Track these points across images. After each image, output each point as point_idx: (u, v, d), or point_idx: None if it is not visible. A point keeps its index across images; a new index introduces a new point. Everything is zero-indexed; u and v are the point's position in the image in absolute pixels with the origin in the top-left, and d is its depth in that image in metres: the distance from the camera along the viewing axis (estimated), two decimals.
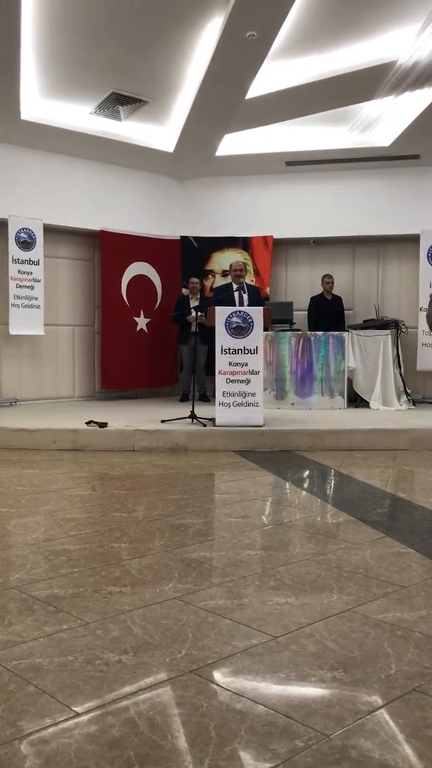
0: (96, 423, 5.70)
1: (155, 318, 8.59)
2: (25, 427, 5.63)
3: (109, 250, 8.22)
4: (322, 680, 1.80)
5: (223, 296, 6.53)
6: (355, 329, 7.66)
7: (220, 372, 5.74)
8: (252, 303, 6.66)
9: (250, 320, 5.75)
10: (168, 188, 8.79)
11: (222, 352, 5.74)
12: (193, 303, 7.95)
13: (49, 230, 7.96)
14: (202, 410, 6.32)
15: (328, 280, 8.36)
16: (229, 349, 5.73)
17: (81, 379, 8.37)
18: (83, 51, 5.73)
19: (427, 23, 5.32)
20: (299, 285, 9.01)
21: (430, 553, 2.81)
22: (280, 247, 8.92)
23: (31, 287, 7.67)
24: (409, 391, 7.62)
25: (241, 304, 6.69)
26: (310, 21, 5.41)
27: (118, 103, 6.72)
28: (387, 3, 5.22)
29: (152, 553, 2.80)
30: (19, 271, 7.58)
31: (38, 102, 6.67)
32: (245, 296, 6.72)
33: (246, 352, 5.73)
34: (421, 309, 8.12)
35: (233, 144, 7.85)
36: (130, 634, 2.06)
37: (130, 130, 7.46)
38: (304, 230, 8.63)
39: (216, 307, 5.85)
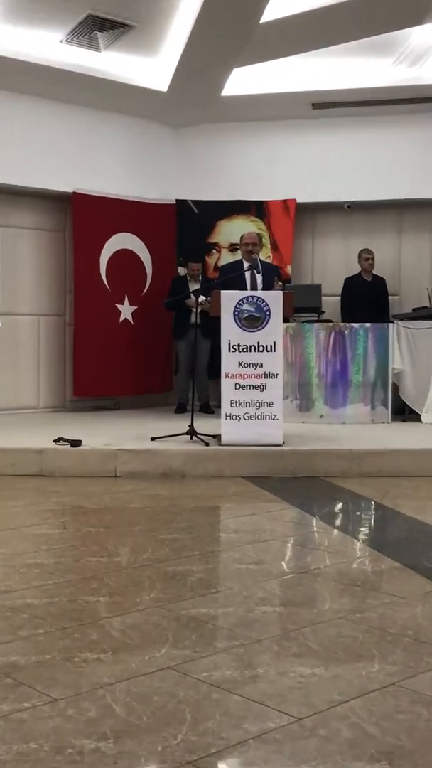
0: (67, 441, 5.71)
1: (143, 305, 8.62)
2: None
3: (84, 218, 8.26)
4: None
5: (232, 277, 6.56)
6: (401, 320, 7.68)
7: (227, 375, 5.76)
8: (268, 286, 6.68)
9: (266, 308, 5.77)
10: (160, 138, 8.83)
11: (230, 350, 5.75)
12: (193, 286, 7.98)
13: (7, 192, 8.01)
14: (204, 424, 6.33)
15: (367, 257, 8.38)
16: (238, 345, 5.75)
17: (48, 385, 8.41)
18: None
19: None
20: (330, 263, 9.03)
21: None
22: (306, 213, 8.94)
23: None
24: None
25: (255, 287, 6.71)
26: None
27: (96, 28, 6.76)
28: None
29: (139, 609, 2.80)
30: None
31: None
32: (260, 277, 6.74)
33: (261, 349, 5.75)
34: None
35: (244, 81, 7.89)
36: (110, 714, 2.06)
37: (111, 63, 7.50)
38: (337, 192, 8.66)
39: (222, 291, 5.87)
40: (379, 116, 8.47)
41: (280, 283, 6.82)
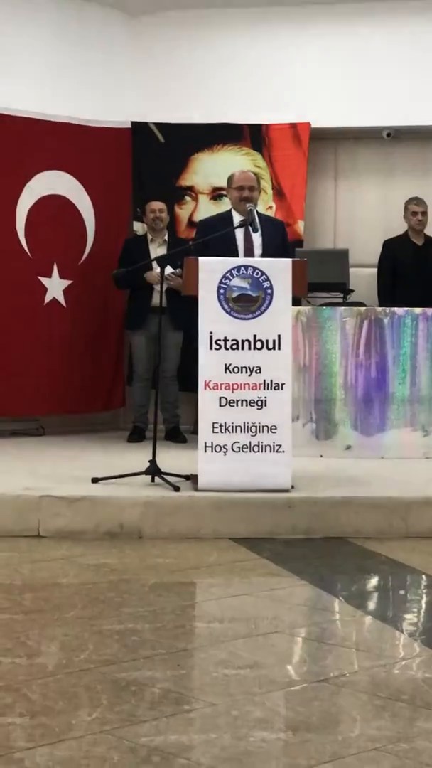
0: None
1: (81, 279, 8.62)
2: None
3: None
4: None
5: (215, 237, 6.56)
6: None
7: (207, 385, 5.76)
8: (270, 250, 6.70)
9: (266, 284, 5.78)
10: (108, 30, 8.86)
11: (211, 347, 5.76)
12: (157, 250, 7.98)
13: None
14: (173, 459, 6.31)
15: (416, 210, 8.42)
16: (224, 339, 5.75)
17: None
18: None
19: None
20: (361, 218, 9.07)
21: None
22: (325, 144, 8.99)
23: None
24: None
25: (250, 252, 6.71)
26: None
27: None
28: None
29: (76, 737, 2.79)
30: None
31: None
32: (257, 237, 6.74)
33: (259, 346, 5.76)
34: None
35: None
36: None
37: None
38: (372, 113, 8.71)
39: (200, 259, 5.87)
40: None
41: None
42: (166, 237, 8.22)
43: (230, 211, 6.96)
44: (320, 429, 7.37)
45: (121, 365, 8.88)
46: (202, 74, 8.84)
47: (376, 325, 7.36)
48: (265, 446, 5.73)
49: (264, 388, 5.74)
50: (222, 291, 5.75)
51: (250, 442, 5.73)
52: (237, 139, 8.87)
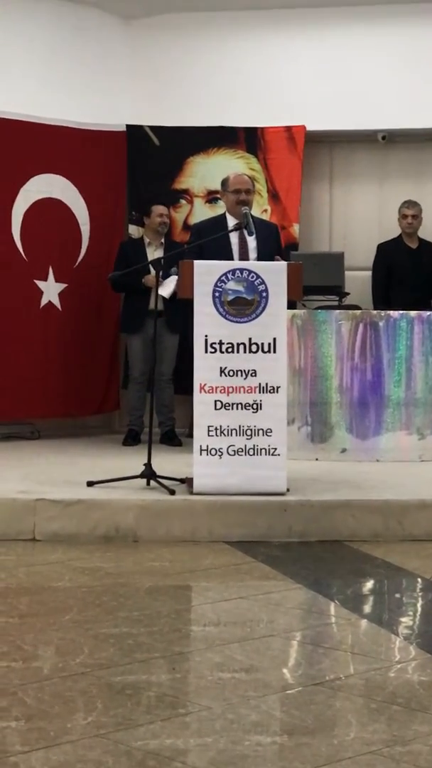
0: None
1: (77, 283, 8.62)
2: None
3: None
4: None
5: (211, 240, 6.57)
6: None
7: (202, 388, 5.76)
8: (264, 253, 6.70)
9: (261, 287, 5.78)
10: (104, 34, 8.86)
11: (207, 350, 5.76)
12: (155, 253, 7.98)
13: None
14: (168, 462, 6.32)
15: (407, 212, 8.42)
16: (220, 343, 5.75)
17: None
18: None
19: None
20: (356, 221, 9.07)
21: None
22: (320, 147, 9.00)
23: None
24: None
25: (245, 255, 6.71)
26: None
27: None
28: None
29: (71, 741, 2.79)
30: None
31: None
32: (252, 240, 6.76)
33: (254, 349, 5.76)
34: None
35: None
36: None
37: None
38: (367, 116, 8.71)
39: (195, 262, 5.87)
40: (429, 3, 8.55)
41: (277, 257, 6.80)
42: (162, 240, 8.21)
43: (224, 214, 6.97)
44: (315, 432, 7.37)
45: (116, 368, 8.87)
46: (197, 77, 8.84)
47: (371, 328, 7.36)
48: (261, 449, 5.73)
49: (259, 392, 5.74)
50: (217, 294, 5.75)
51: (245, 446, 5.73)
52: (232, 143, 8.87)
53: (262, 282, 5.77)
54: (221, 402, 5.73)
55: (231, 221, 6.78)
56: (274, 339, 5.77)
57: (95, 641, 3.70)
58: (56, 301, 8.52)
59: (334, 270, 8.15)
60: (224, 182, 7.03)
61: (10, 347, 8.28)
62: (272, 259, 6.37)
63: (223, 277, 5.77)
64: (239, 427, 5.73)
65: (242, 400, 5.73)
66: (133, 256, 7.99)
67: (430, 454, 7.33)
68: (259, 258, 6.61)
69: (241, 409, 5.74)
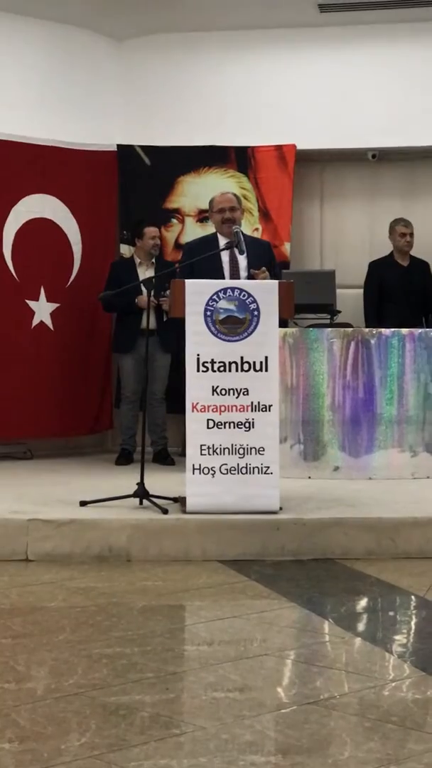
0: None
1: (68, 302, 8.63)
2: None
3: None
4: None
5: (202, 259, 6.58)
6: None
7: (195, 407, 5.76)
8: (260, 269, 6.71)
9: (253, 305, 5.79)
10: (94, 54, 8.89)
11: (199, 369, 5.76)
12: (146, 273, 7.99)
13: None
14: (161, 482, 6.31)
15: (405, 231, 8.44)
16: (212, 362, 5.76)
17: None
18: None
19: None
20: (347, 239, 9.10)
21: None
22: (311, 166, 9.03)
23: None
24: None
25: (236, 274, 6.73)
26: None
27: None
28: None
29: (65, 762, 2.78)
30: None
31: None
32: (243, 259, 6.77)
33: (246, 367, 5.77)
34: None
35: None
36: None
37: None
38: (357, 135, 8.75)
39: (186, 281, 5.88)
40: (420, 24, 8.59)
41: (265, 272, 6.78)
42: (153, 260, 8.23)
43: (215, 233, 6.99)
44: (308, 450, 7.37)
45: (108, 388, 8.87)
46: (188, 97, 8.87)
47: (363, 345, 7.37)
48: (253, 468, 5.73)
49: (251, 410, 5.74)
50: (209, 313, 5.76)
51: (238, 464, 5.73)
52: (223, 162, 8.90)
53: (254, 301, 5.78)
54: (213, 421, 5.73)
55: (222, 240, 6.80)
56: (266, 357, 5.77)
57: (89, 661, 3.69)
58: (48, 321, 8.53)
59: (325, 288, 8.14)
60: (210, 203, 7.09)
61: (1, 367, 8.29)
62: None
63: (215, 296, 5.77)
64: (232, 445, 5.73)
65: (234, 418, 5.73)
66: (124, 276, 8.00)
67: (422, 471, 7.34)
68: (251, 276, 6.62)
69: (234, 427, 5.74)
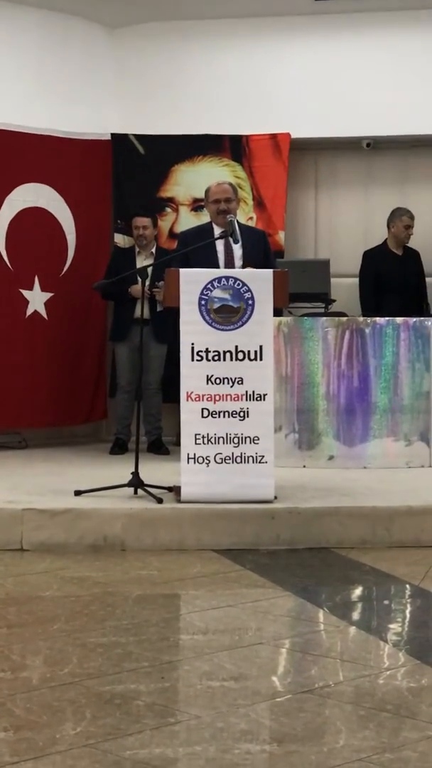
0: None
1: (63, 291, 8.61)
2: None
3: None
4: None
5: (196, 249, 6.56)
6: None
7: (189, 397, 5.76)
8: (251, 261, 6.70)
9: (247, 294, 5.79)
10: (89, 43, 8.86)
11: (193, 358, 5.76)
12: (144, 262, 7.97)
13: None
14: (155, 471, 6.31)
15: (410, 223, 8.38)
16: (206, 351, 5.76)
17: None
18: None
19: None
20: (342, 228, 9.08)
21: None
22: (305, 155, 9.00)
23: None
24: None
25: (231, 263, 6.71)
26: None
27: None
28: None
29: (60, 751, 2.78)
30: None
31: None
32: (238, 249, 6.75)
33: (240, 357, 5.76)
34: None
35: None
36: None
37: None
38: (352, 124, 8.73)
39: (181, 270, 5.87)
40: (414, 12, 8.57)
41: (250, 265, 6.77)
42: (153, 250, 8.21)
43: (210, 223, 6.97)
44: (303, 439, 7.37)
45: (102, 377, 8.86)
46: (182, 86, 8.85)
47: (357, 335, 7.37)
48: (248, 457, 5.73)
49: (246, 399, 5.74)
50: (203, 302, 5.75)
51: (232, 453, 5.73)
52: (217, 151, 8.87)
53: (248, 290, 5.77)
54: (208, 410, 5.73)
55: (217, 229, 6.78)
56: (261, 346, 5.77)
57: (84, 651, 3.70)
58: (42, 311, 8.51)
59: (320, 277, 8.13)
60: (206, 193, 7.04)
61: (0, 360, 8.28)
62: (263, 266, 6.36)
63: (209, 285, 5.77)
64: (226, 434, 5.73)
65: (229, 407, 5.73)
66: (122, 264, 8.00)
67: (417, 460, 7.34)
68: (246, 264, 6.61)
69: (228, 416, 5.73)
